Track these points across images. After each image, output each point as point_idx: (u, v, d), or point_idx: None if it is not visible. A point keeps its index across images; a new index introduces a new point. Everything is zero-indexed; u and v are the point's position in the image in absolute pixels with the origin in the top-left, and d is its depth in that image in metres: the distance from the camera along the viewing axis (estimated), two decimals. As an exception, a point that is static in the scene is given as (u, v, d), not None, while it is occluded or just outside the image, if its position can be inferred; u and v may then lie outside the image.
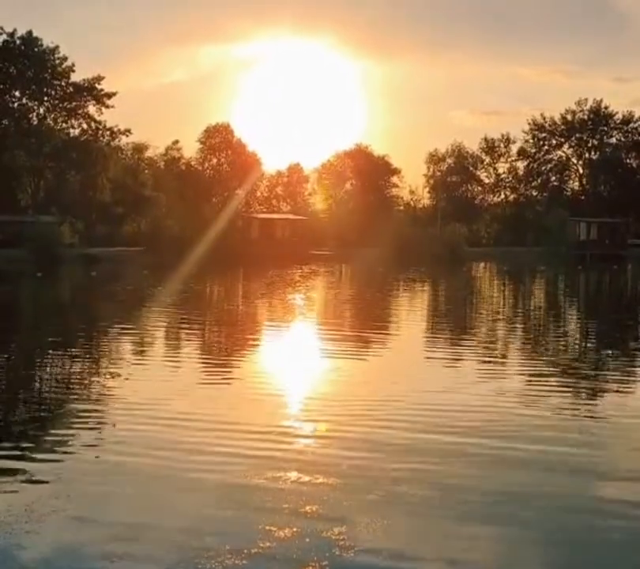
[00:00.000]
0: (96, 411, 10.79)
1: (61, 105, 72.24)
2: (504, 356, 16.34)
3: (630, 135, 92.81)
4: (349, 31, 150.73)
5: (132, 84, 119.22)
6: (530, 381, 13.16)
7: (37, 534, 6.39)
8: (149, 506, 7.16)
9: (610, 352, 17.18)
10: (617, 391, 12.53)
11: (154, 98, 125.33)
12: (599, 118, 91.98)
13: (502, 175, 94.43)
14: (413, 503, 7.18)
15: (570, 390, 12.66)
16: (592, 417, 10.70)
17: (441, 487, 7.58)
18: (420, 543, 6.38)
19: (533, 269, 54.40)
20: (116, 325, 21.33)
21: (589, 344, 19.60)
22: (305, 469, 8.00)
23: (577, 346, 19.17)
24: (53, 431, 9.79)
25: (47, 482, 7.71)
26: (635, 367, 15.47)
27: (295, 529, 6.46)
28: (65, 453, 8.74)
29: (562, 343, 19.29)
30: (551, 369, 14.60)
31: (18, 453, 8.82)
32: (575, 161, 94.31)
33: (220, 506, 7.11)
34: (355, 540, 6.29)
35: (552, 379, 13.41)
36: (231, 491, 7.46)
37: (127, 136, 74.07)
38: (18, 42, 70.46)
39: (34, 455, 8.70)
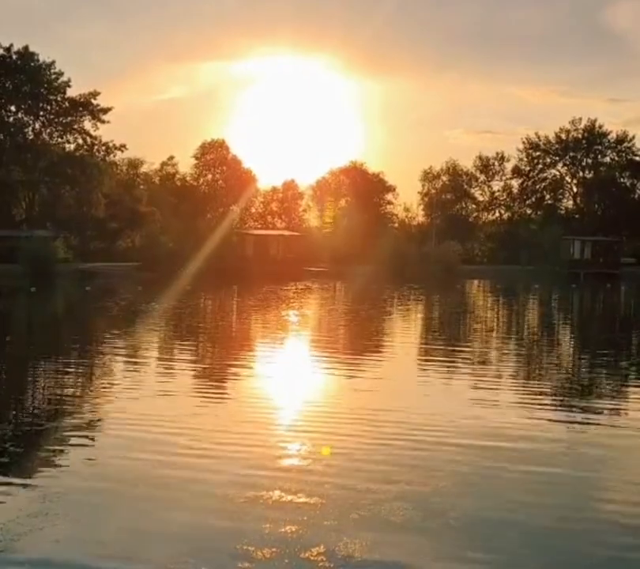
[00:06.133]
0: (80, 429, 10.73)
1: (56, 120, 72.24)
2: (495, 376, 16.25)
3: (623, 154, 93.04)
4: (347, 50, 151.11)
5: (130, 100, 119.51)
6: (523, 402, 13.11)
7: (12, 553, 6.32)
8: (129, 526, 7.09)
9: (603, 372, 17.21)
10: (610, 413, 12.50)
11: (152, 114, 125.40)
12: (593, 137, 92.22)
13: (497, 193, 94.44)
14: (395, 523, 7.12)
15: (565, 410, 12.67)
16: (583, 440, 10.67)
17: (423, 508, 7.52)
18: (401, 563, 6.31)
19: (527, 287, 54.36)
20: (108, 342, 21.27)
21: (581, 365, 19.55)
22: (286, 489, 7.94)
23: (569, 367, 19.16)
24: (34, 449, 9.73)
25: (25, 500, 7.64)
26: (628, 387, 15.46)
27: (274, 550, 6.40)
28: (45, 472, 8.66)
29: (555, 364, 19.27)
30: (545, 390, 14.62)
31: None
32: (569, 180, 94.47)
33: (201, 525, 7.05)
34: (334, 560, 6.23)
35: (547, 400, 13.39)
36: (212, 510, 7.40)
37: (122, 151, 74.04)
38: (14, 57, 70.54)
39: (12, 473, 8.63)
